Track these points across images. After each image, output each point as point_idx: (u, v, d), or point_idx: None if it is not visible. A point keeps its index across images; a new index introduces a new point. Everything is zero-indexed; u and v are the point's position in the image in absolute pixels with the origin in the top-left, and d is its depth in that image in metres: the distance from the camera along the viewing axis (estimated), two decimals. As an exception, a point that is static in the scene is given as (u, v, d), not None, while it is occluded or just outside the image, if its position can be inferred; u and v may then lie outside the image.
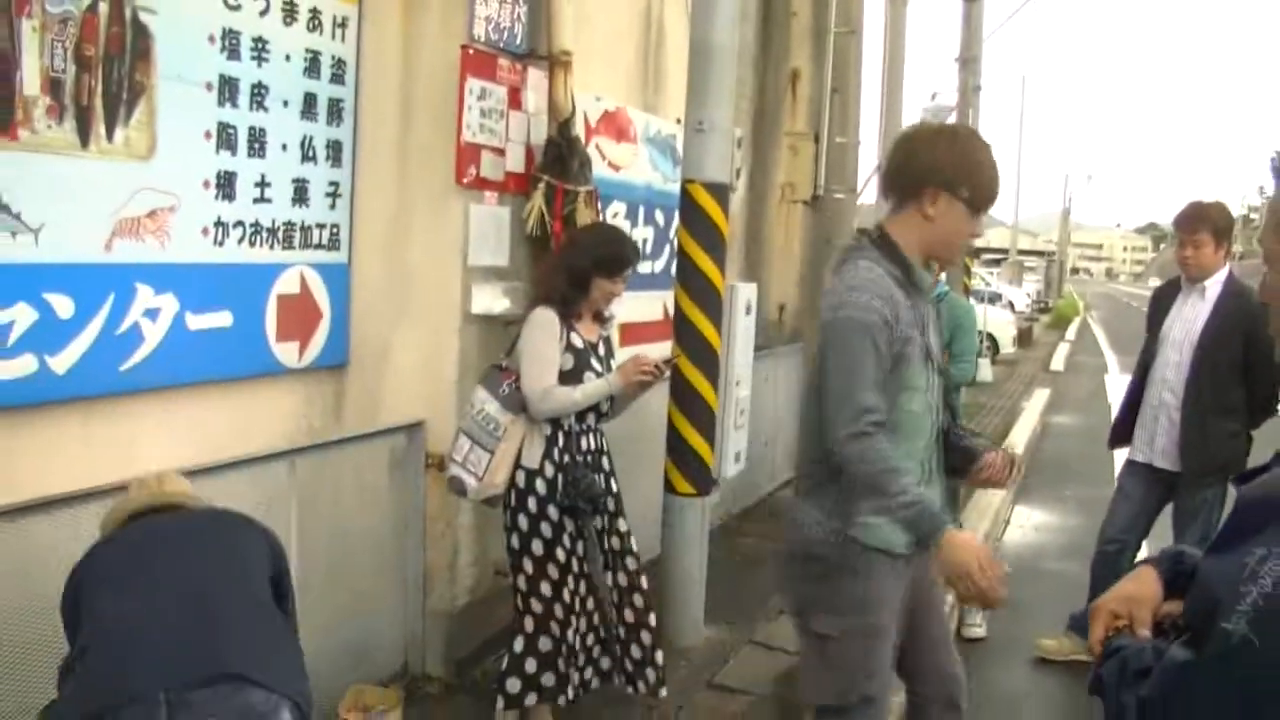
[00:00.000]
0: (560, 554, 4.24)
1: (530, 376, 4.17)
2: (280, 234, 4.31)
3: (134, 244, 3.69)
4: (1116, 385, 6.85)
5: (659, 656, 4.42)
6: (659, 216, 6.75)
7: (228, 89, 4.00)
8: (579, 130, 5.15)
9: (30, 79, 3.31)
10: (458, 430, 4.32)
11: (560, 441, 4.24)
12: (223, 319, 4.09)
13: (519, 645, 4.28)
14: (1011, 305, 27.35)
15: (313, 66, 4.38)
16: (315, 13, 4.36)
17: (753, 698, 5.00)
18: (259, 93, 4.13)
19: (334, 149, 4.54)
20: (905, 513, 2.91)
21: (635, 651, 4.42)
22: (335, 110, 4.52)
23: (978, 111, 15.71)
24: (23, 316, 3.37)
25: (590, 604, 4.35)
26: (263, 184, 4.20)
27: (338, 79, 4.51)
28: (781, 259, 9.54)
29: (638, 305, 6.39)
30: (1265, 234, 1.79)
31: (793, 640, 5.64)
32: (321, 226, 4.51)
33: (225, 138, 4.01)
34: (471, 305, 4.74)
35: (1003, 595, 2.85)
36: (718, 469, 5.83)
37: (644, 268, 6.47)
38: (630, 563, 4.41)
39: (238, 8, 4.00)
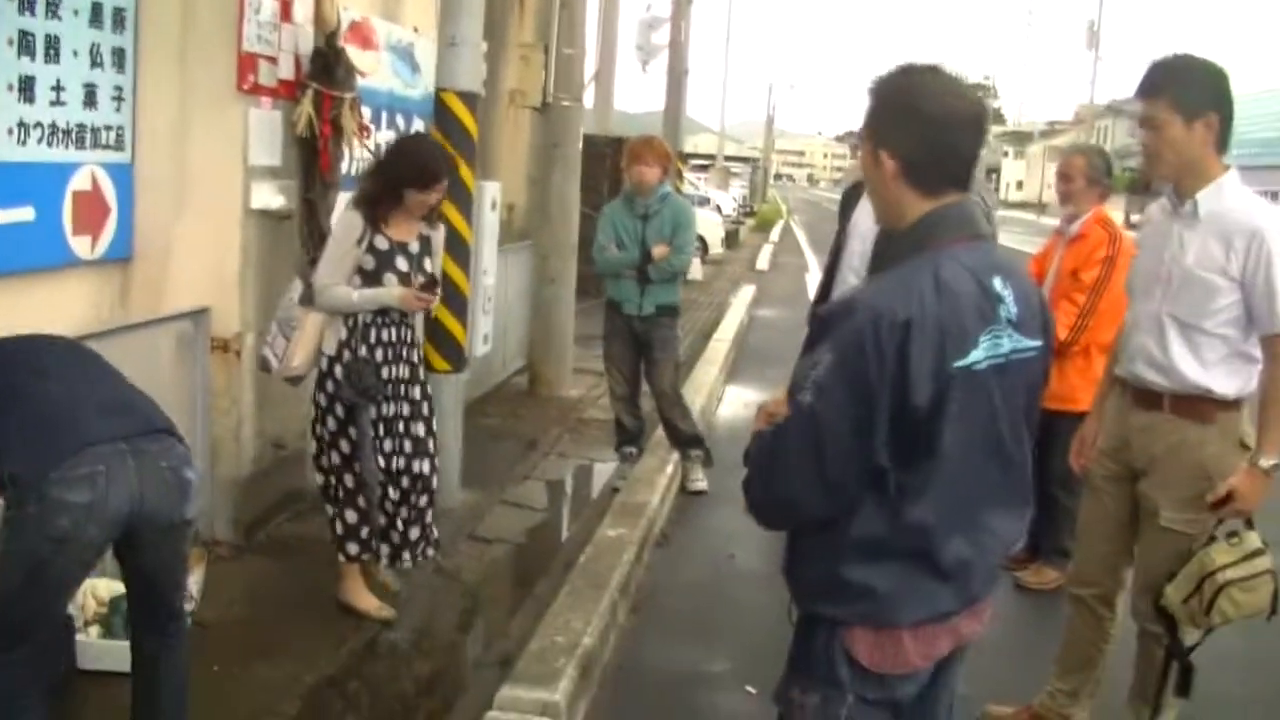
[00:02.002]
0: (349, 436, 4.66)
1: (318, 272, 4.64)
2: (74, 135, 4.66)
3: (-51, 142, 4.02)
4: (816, 282, 7.85)
5: (411, 532, 4.85)
6: (400, 120, 7.23)
7: (26, -1, 4.32)
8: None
9: None
10: (274, 317, 4.78)
11: (359, 333, 4.63)
12: (26, 214, 4.44)
13: (330, 512, 4.78)
14: (719, 209, 28.66)
15: (98, -23, 4.72)
16: (100, -73, 4.68)
17: (508, 545, 5.76)
18: (53, 2, 4.46)
19: (118, 55, 4.88)
20: None
21: (414, 533, 4.85)
22: (119, 19, 4.85)
23: (689, 24, 16.62)
24: None
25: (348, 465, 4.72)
26: (58, 88, 4.53)
27: (120, -11, 4.86)
28: (510, 162, 10.16)
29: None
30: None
31: (538, 499, 6.47)
32: (109, 128, 4.87)
33: (26, 44, 4.33)
34: (251, 201, 5.20)
35: None
36: (469, 349, 6.48)
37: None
38: (430, 445, 4.85)
39: (34, -78, 4.31)
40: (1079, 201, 5.48)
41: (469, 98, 5.86)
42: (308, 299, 4.67)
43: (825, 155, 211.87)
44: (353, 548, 4.76)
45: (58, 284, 4.69)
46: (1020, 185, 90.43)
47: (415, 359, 4.88)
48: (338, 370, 4.63)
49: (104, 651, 4.04)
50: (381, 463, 4.70)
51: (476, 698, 4.02)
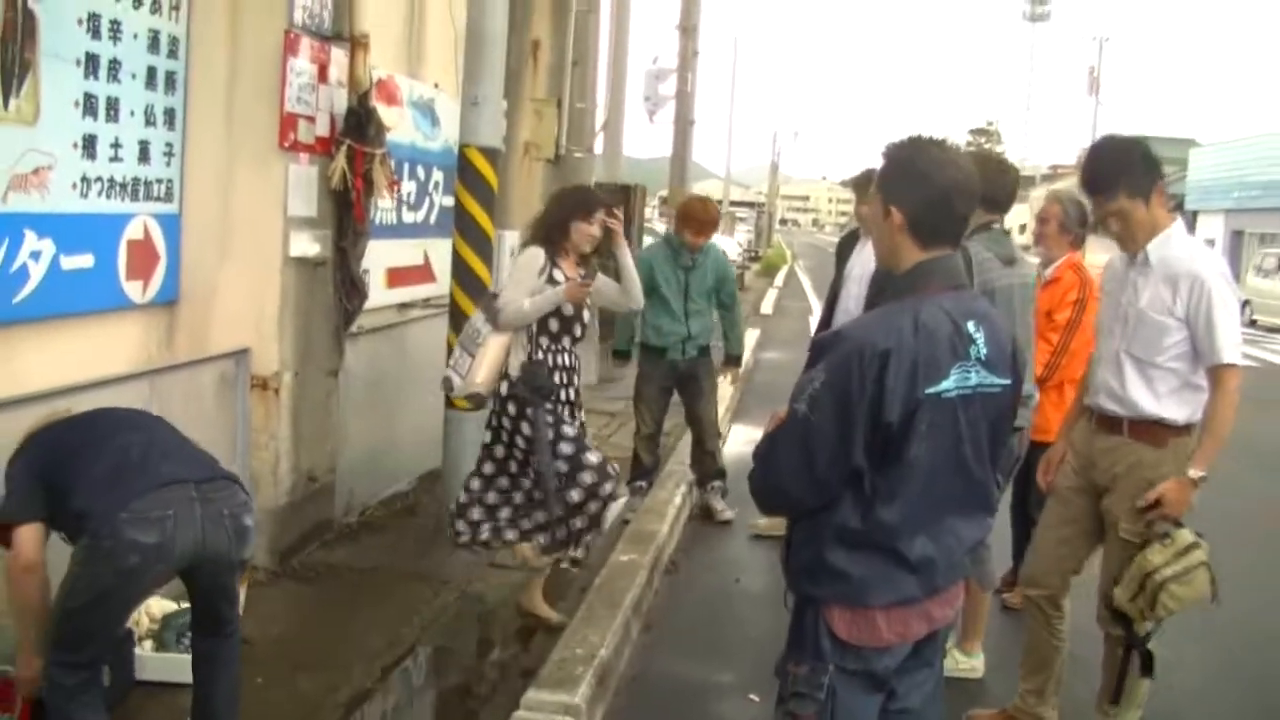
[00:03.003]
0: (500, 450, 5.30)
1: (502, 293, 5.19)
2: (129, 188, 5.06)
3: (23, 196, 4.41)
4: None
5: (575, 523, 5.21)
6: (420, 171, 7.65)
7: (91, 64, 4.73)
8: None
9: (-52, 59, 4.02)
10: (458, 343, 5.35)
11: (537, 355, 5.23)
12: (87, 260, 4.83)
13: (462, 498, 5.44)
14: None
15: (154, 44, 5.13)
16: (157, -2, 5.11)
17: (525, 572, 6.08)
18: (114, 67, 4.87)
19: (169, 115, 5.29)
20: None
21: (577, 523, 5.22)
22: (170, 81, 5.27)
23: (696, 75, 17.10)
24: (-57, 256, 4.08)
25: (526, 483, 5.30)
26: (116, 145, 4.94)
27: (173, 54, 5.27)
28: (523, 210, 10.54)
29: (402, 251, 7.32)
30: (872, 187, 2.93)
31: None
32: (160, 181, 5.28)
33: (89, 105, 4.74)
34: (290, 249, 5.59)
35: None
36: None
37: (407, 217, 7.39)
38: (566, 447, 5.22)
39: (99, -5, 4.73)
40: (1051, 247, 5.86)
41: (490, 153, 6.27)
42: (494, 319, 5.18)
43: (830, 200, 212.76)
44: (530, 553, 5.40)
45: (113, 325, 5.08)
46: (1024, 229, 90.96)
47: (575, 383, 5.46)
48: (519, 386, 5.18)
49: (158, 664, 4.42)
50: (563, 467, 5.15)
51: (503, 704, 4.37)
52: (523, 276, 5.23)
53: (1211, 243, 49.50)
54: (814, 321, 20.83)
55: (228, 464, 5.49)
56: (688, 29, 17.26)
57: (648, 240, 19.01)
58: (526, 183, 10.44)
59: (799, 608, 2.75)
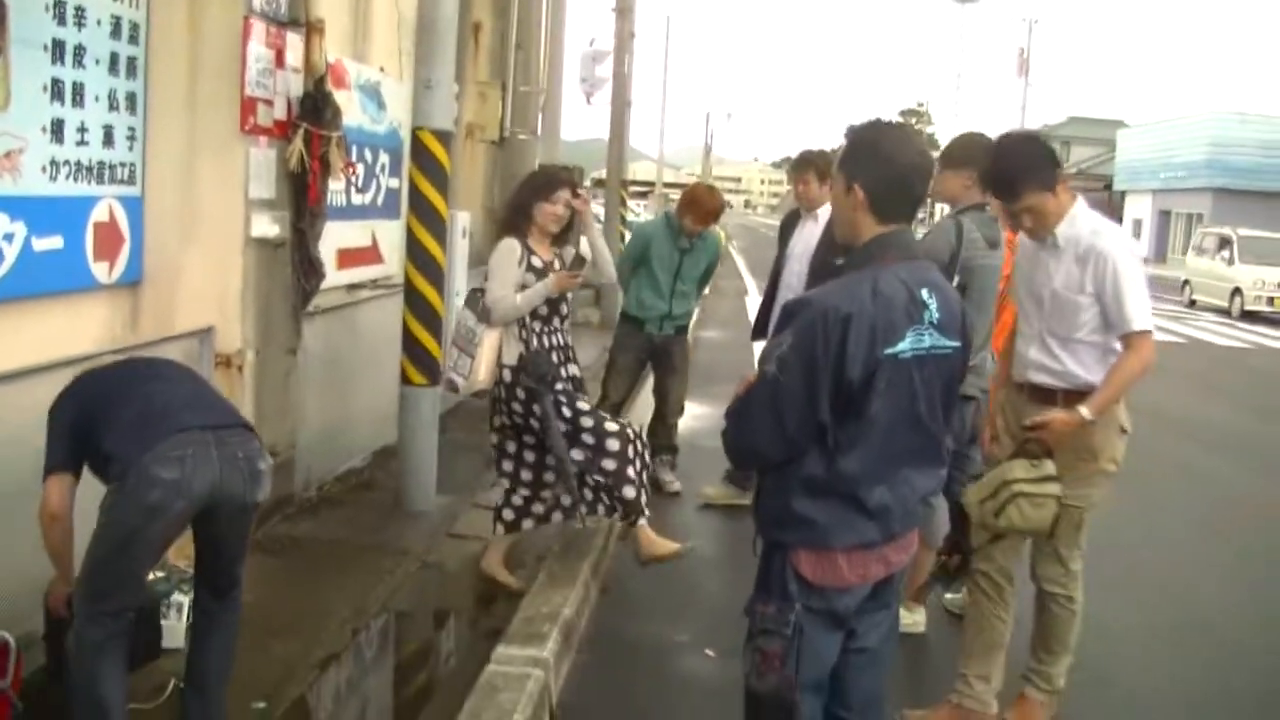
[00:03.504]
0: (511, 445, 5.52)
1: (489, 291, 5.35)
2: (95, 171, 5.18)
3: (-4, 179, 4.54)
4: (755, 305, 8.51)
5: (626, 491, 5.41)
6: (368, 154, 7.79)
7: (58, 50, 4.84)
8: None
9: (-75, 46, 4.14)
10: (450, 344, 5.50)
11: (532, 342, 5.40)
12: (57, 242, 4.95)
13: (499, 498, 5.69)
14: (720, 242, 29.28)
15: (116, 30, 5.24)
16: (118, -16, 5.23)
17: (484, 541, 6.29)
18: (79, 53, 4.98)
19: (130, 99, 5.40)
20: None
21: (600, 492, 5.48)
22: (131, 66, 5.38)
23: (633, 56, 17.28)
24: (-77, 238, 4.21)
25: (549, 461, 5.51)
26: (82, 129, 5.05)
27: (134, 40, 5.37)
28: (468, 192, 10.71)
29: (350, 233, 7.46)
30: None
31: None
32: (124, 165, 5.39)
33: (57, 90, 4.86)
34: (251, 231, 5.74)
35: None
36: (443, 364, 7.03)
37: (355, 199, 7.53)
38: (586, 437, 5.44)
39: (65, -17, 4.85)
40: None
41: (443, 135, 6.44)
42: (486, 316, 5.36)
43: (762, 181, 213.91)
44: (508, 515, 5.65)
45: (81, 305, 5.19)
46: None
47: (573, 358, 5.68)
48: (522, 377, 5.38)
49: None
50: (589, 445, 5.38)
51: (470, 663, 4.58)
52: (504, 270, 5.41)
53: (1139, 222, 50.71)
54: (750, 301, 21.27)
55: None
56: (623, 10, 17.43)
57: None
58: (470, 164, 10.61)
59: (767, 552, 2.99)
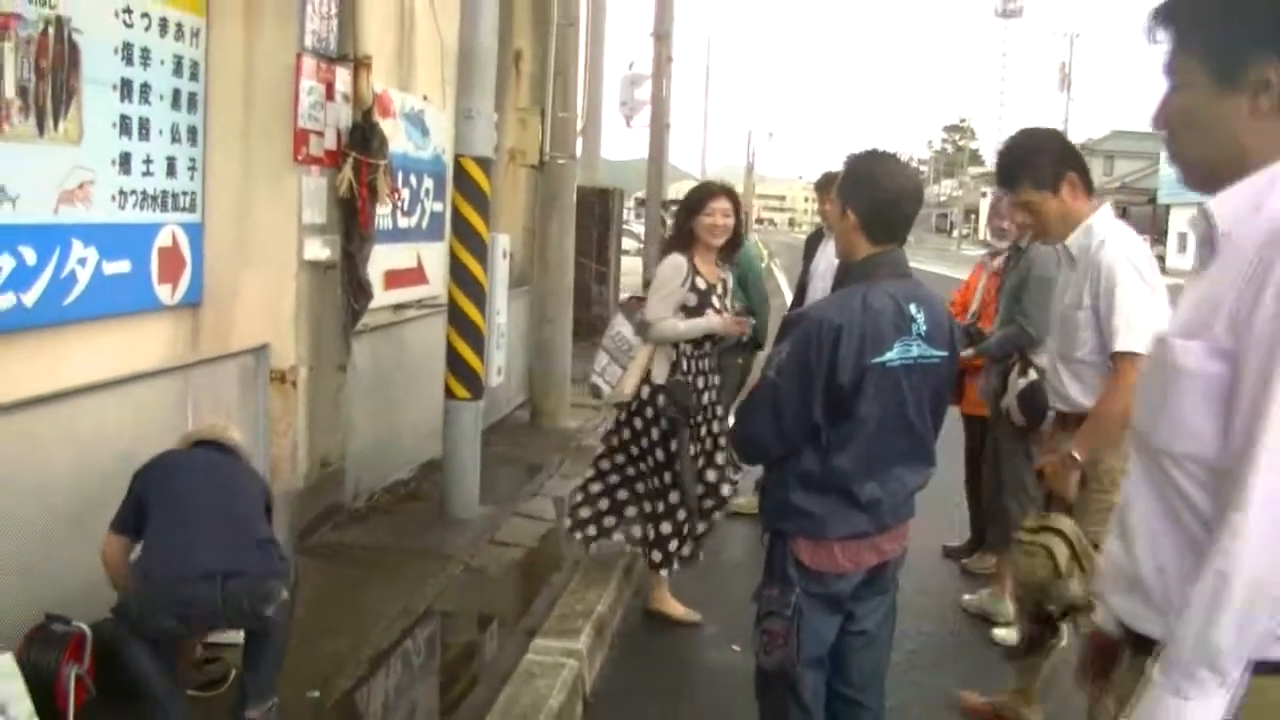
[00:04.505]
0: (659, 453, 5.48)
1: (649, 307, 5.44)
2: (159, 199, 5.56)
3: (71, 209, 4.90)
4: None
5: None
6: (413, 179, 8.14)
7: (126, 88, 5.23)
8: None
9: (8, 87, 4.51)
10: (599, 347, 5.63)
11: (683, 364, 5.42)
12: (124, 266, 5.32)
13: (579, 496, 5.86)
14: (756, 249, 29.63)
15: (178, 68, 5.63)
16: (180, 26, 5.60)
17: (524, 548, 6.61)
18: (145, 90, 5.37)
19: (191, 132, 5.79)
20: None
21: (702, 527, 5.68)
22: (192, 101, 5.77)
23: (670, 80, 17.64)
24: (6, 263, 4.57)
25: (665, 481, 5.55)
26: (148, 161, 5.43)
27: (194, 77, 5.77)
28: (509, 215, 11.05)
29: (397, 255, 7.81)
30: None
31: (547, 511, 7.32)
32: (185, 193, 5.77)
33: (125, 126, 5.24)
34: (304, 254, 6.10)
35: None
36: (485, 379, 7.37)
37: (401, 223, 7.88)
38: (719, 458, 5.60)
39: (132, 26, 5.22)
40: (1009, 238, 6.39)
41: (484, 162, 6.79)
42: (643, 332, 5.47)
43: (806, 199, 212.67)
44: (656, 556, 5.63)
45: (147, 325, 5.57)
46: (972, 216, 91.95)
47: (716, 384, 5.66)
48: (659, 398, 5.42)
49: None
50: (711, 476, 5.52)
51: (513, 657, 4.88)
52: (666, 286, 5.40)
53: (1184, 236, 50.34)
54: (789, 317, 21.49)
55: (251, 451, 6.05)
56: (661, 36, 17.79)
57: (627, 243, 19.65)
58: (512, 188, 10.96)
59: (771, 541, 3.30)
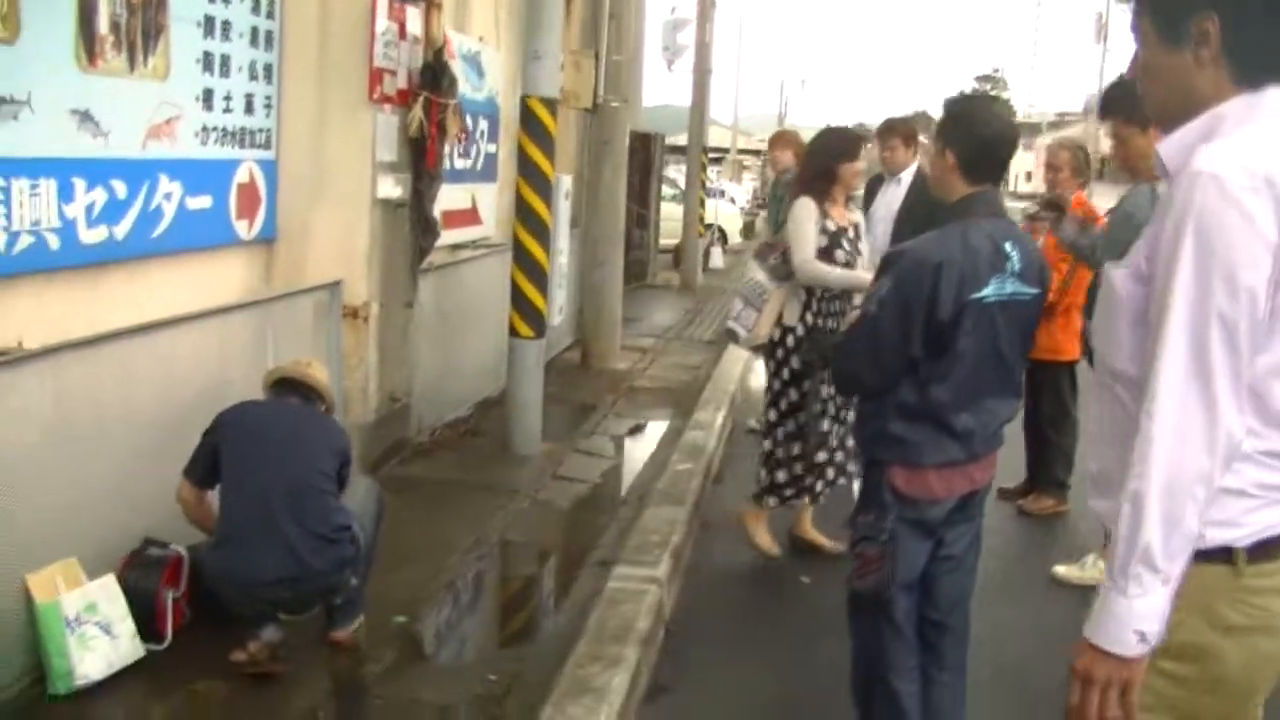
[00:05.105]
0: (792, 394, 5.52)
1: (796, 251, 5.40)
2: (238, 136, 5.65)
3: (158, 144, 5.00)
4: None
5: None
6: (468, 120, 8.20)
7: (209, 25, 5.31)
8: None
9: (103, 22, 4.59)
10: (734, 293, 5.65)
11: (813, 306, 5.48)
12: (205, 201, 5.43)
13: (764, 453, 5.72)
14: (733, 200, 29.75)
15: (256, 6, 5.70)
16: (257, -36, 5.68)
17: (588, 483, 6.74)
18: (226, 27, 5.45)
19: (268, 69, 5.87)
20: None
21: (830, 474, 5.64)
22: (269, 39, 5.85)
23: (714, 24, 17.57)
24: (100, 197, 4.68)
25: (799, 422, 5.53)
26: (228, 97, 5.52)
27: (270, 15, 5.83)
28: (562, 157, 11.12)
29: (454, 196, 7.88)
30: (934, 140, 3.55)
31: (605, 449, 7.44)
32: (261, 130, 5.86)
33: (208, 62, 5.33)
34: (377, 191, 6.19)
35: None
36: (548, 317, 7.46)
37: (458, 164, 7.96)
38: (844, 413, 5.55)
39: (214, -36, 5.31)
40: (1063, 188, 6.44)
41: (550, 103, 6.85)
42: (781, 274, 5.46)
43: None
44: (771, 500, 5.67)
45: (224, 259, 5.68)
46: (1029, 176, 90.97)
47: None
48: (789, 339, 5.49)
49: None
50: (825, 425, 5.51)
51: (587, 584, 5.02)
52: (805, 231, 5.41)
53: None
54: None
55: (332, 392, 6.16)
56: (705, -22, 17.73)
57: (666, 190, 19.65)
58: (564, 131, 11.00)
59: (867, 469, 3.41)
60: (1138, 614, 1.85)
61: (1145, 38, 2.08)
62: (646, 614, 4.16)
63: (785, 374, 5.55)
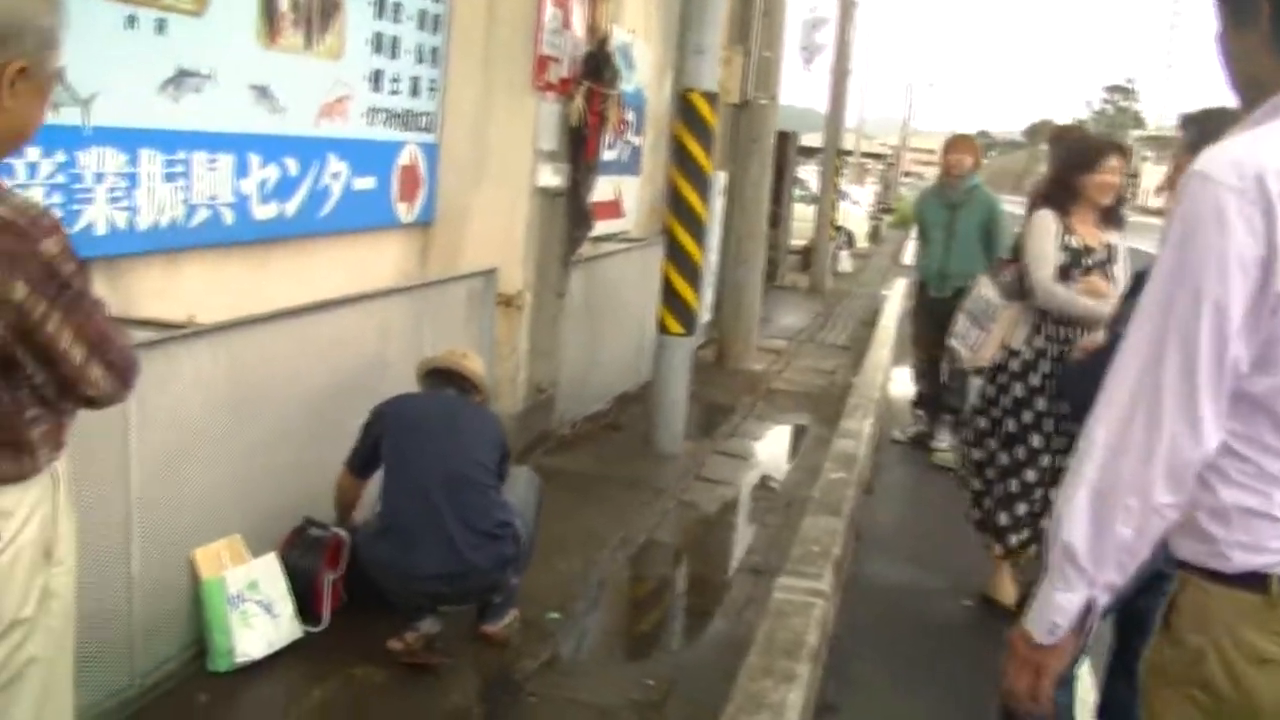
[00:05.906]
0: (1010, 424, 4.87)
1: (1032, 269, 4.80)
2: (403, 118, 5.62)
3: (329, 122, 4.98)
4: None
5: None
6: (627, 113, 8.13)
7: (380, 6, 5.27)
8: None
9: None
10: (963, 310, 5.14)
11: (1042, 330, 4.84)
12: (370, 182, 5.40)
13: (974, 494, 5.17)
14: (857, 204, 29.33)
15: (426, -12, 5.67)
16: (429, -52, 5.64)
17: (732, 486, 6.60)
18: (397, 9, 5.42)
19: (434, 53, 5.83)
20: None
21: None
22: (436, 23, 5.80)
23: (854, 24, 17.32)
24: (273, 173, 4.66)
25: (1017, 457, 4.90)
26: (395, 79, 5.49)
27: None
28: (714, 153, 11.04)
29: (600, 188, 7.78)
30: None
31: (747, 451, 7.29)
32: (425, 114, 5.82)
33: (379, 43, 5.30)
34: (537, 180, 6.12)
35: None
36: (698, 315, 7.35)
37: (605, 155, 7.85)
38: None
39: (389, -56, 5.27)
40: None
41: (710, 97, 6.72)
42: (1014, 292, 4.93)
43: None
44: (998, 549, 5.07)
45: (384, 241, 5.65)
46: (1159, 191, 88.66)
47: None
48: (1013, 363, 4.86)
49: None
50: (1048, 461, 4.85)
51: (741, 590, 4.88)
52: (1041, 246, 4.84)
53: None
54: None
55: (488, 383, 6.09)
56: (847, -22, 17.49)
57: (797, 192, 19.42)
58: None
59: None
60: (1055, 605, 1.87)
61: (1221, 19, 1.97)
62: (814, 628, 4.01)
63: (1004, 402, 4.94)
